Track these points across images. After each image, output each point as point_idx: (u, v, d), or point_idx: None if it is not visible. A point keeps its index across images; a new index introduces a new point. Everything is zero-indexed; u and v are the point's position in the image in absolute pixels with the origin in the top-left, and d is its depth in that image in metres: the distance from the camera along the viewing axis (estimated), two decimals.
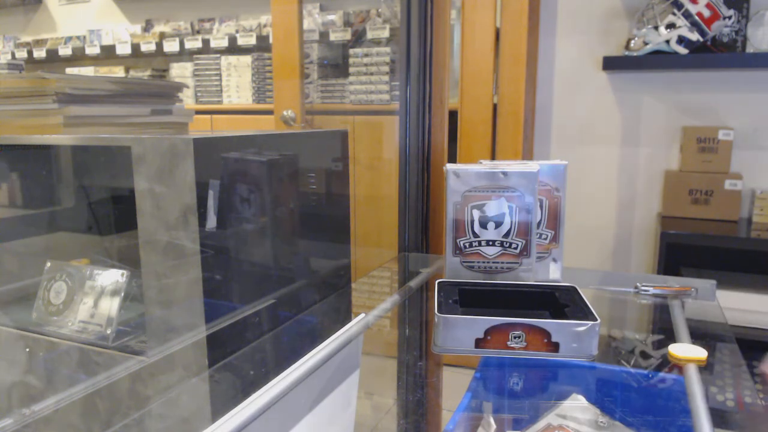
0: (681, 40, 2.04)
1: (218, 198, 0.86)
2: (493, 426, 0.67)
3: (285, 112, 2.53)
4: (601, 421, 0.70)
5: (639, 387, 0.76)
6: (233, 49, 3.13)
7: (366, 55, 2.61)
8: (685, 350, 0.73)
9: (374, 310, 0.94)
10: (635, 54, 2.12)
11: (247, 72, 3.09)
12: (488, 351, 0.73)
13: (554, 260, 0.92)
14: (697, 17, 2.01)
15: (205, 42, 3.17)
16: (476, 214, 0.86)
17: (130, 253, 1.02)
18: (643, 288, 1.04)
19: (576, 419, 0.70)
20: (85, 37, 3.66)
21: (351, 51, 2.65)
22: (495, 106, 2.24)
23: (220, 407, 0.78)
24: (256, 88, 3.08)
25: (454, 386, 0.86)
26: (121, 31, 3.59)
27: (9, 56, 3.82)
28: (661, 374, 0.76)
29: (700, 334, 0.85)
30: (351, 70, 2.65)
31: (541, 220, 0.91)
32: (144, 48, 3.34)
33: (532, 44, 2.35)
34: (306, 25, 2.75)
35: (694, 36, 2.03)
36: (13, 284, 1.19)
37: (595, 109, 2.39)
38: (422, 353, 1.01)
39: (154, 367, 0.90)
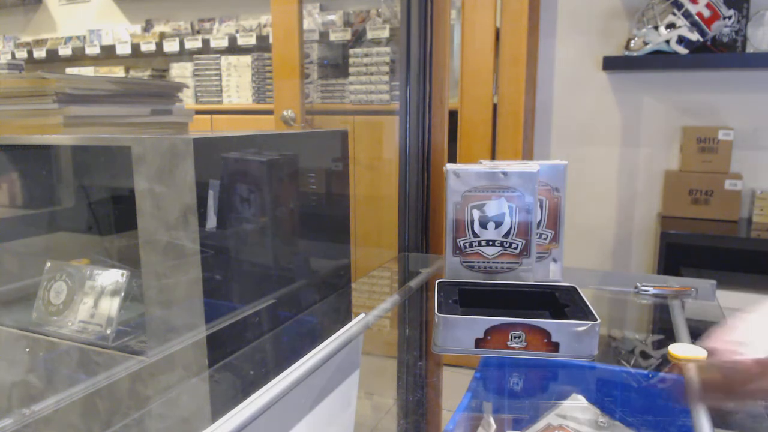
0: (681, 40, 2.04)
1: (218, 198, 0.86)
2: (493, 426, 0.67)
3: (285, 112, 2.53)
4: (601, 421, 0.70)
5: (639, 387, 0.76)
6: (233, 49, 3.13)
7: (366, 55, 2.61)
8: (685, 350, 0.73)
9: (374, 310, 0.94)
10: (635, 54, 2.12)
11: (247, 72, 3.09)
12: (488, 351, 0.73)
13: (554, 260, 0.92)
14: (697, 17, 2.01)
15: (205, 42, 3.17)
16: (476, 214, 0.86)
17: (130, 253, 1.02)
18: (643, 288, 1.04)
19: (576, 419, 0.70)
20: (85, 37, 3.66)
21: (351, 51, 2.65)
22: (495, 106, 2.24)
23: (220, 407, 0.78)
24: (256, 88, 3.08)
25: (454, 386, 0.86)
26: (121, 31, 3.59)
27: (9, 56, 3.82)
28: (661, 374, 0.76)
29: (700, 334, 0.85)
30: (351, 70, 2.65)
31: (541, 220, 0.91)
32: (144, 48, 3.34)
33: (532, 44, 2.35)
34: (306, 25, 2.75)
35: (694, 36, 2.03)
36: (13, 284, 1.19)
37: (595, 109, 2.39)
38: (422, 353, 1.01)
39: (154, 367, 0.90)
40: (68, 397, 0.95)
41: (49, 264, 1.07)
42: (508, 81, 2.20)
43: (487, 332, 0.72)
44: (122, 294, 0.99)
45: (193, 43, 3.21)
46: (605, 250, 2.46)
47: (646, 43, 2.10)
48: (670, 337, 0.84)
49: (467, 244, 0.87)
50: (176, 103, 1.25)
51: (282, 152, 1.03)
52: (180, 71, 3.28)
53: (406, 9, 1.45)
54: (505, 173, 0.85)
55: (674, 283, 1.06)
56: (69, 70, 3.68)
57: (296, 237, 1.08)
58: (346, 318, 1.15)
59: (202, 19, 3.37)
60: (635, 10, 2.24)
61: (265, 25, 3.18)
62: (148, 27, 3.54)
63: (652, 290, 1.04)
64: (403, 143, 1.48)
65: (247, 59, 3.07)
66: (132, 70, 3.53)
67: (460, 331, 0.73)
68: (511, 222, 0.85)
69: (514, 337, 0.72)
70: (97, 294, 1.01)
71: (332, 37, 2.77)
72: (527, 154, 2.39)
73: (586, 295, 0.81)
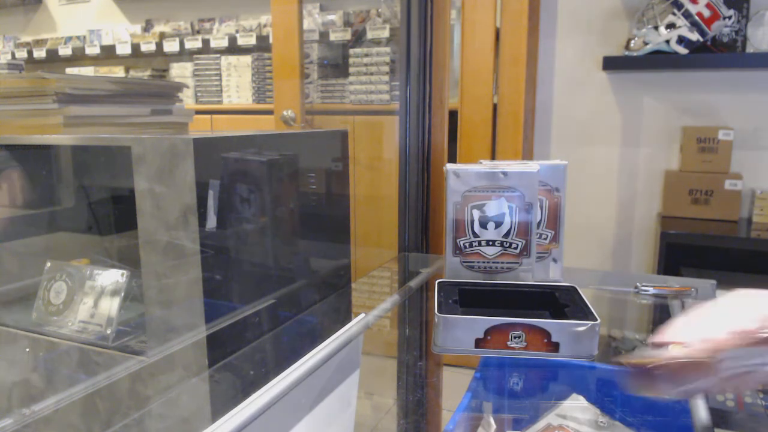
0: (681, 40, 2.04)
1: (218, 198, 0.86)
2: (493, 426, 0.67)
3: (285, 112, 2.53)
4: (601, 421, 0.70)
5: None
6: (233, 49, 3.13)
7: (366, 55, 2.61)
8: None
9: (374, 310, 0.94)
10: (635, 54, 2.12)
11: (247, 72, 3.09)
12: (488, 351, 0.73)
13: (554, 260, 0.92)
14: (697, 17, 2.01)
15: (205, 42, 3.17)
16: (476, 214, 0.86)
17: (130, 253, 1.02)
18: (643, 288, 1.04)
19: (576, 419, 0.70)
20: (85, 37, 3.66)
21: (351, 51, 2.65)
22: (495, 106, 2.24)
23: (220, 407, 0.78)
24: (256, 88, 3.08)
25: (454, 386, 0.86)
26: (121, 31, 3.59)
27: (9, 56, 3.82)
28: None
29: None
30: (351, 70, 2.65)
31: (541, 220, 0.91)
32: (144, 48, 3.34)
33: (532, 44, 2.35)
34: (306, 25, 2.75)
35: (694, 36, 2.03)
36: (13, 284, 1.19)
37: (595, 109, 2.39)
38: (422, 353, 1.01)
39: (154, 367, 0.90)
40: (68, 397, 0.95)
41: (49, 264, 1.07)
42: (508, 81, 2.20)
43: (487, 332, 0.72)
44: (122, 294, 0.99)
45: (193, 43, 3.21)
46: (605, 250, 2.46)
47: (646, 43, 2.10)
48: None
49: (467, 244, 0.87)
50: (176, 103, 1.25)
51: (282, 152, 1.03)
52: (180, 71, 3.28)
53: (406, 9, 1.45)
54: (505, 173, 0.85)
55: (674, 283, 1.06)
56: (69, 70, 3.68)
57: (296, 237, 1.08)
58: (346, 318, 1.15)
59: (202, 19, 3.37)
60: (635, 10, 2.24)
61: (265, 25, 3.18)
62: (148, 27, 3.54)
63: (652, 290, 1.04)
64: (403, 143, 1.48)
65: (247, 59, 3.07)
66: (132, 70, 3.53)
67: (460, 331, 0.73)
68: (511, 222, 0.85)
69: (514, 337, 0.72)
70: (97, 294, 1.01)
71: (332, 37, 2.77)
72: (527, 154, 2.39)
73: (586, 295, 0.81)
